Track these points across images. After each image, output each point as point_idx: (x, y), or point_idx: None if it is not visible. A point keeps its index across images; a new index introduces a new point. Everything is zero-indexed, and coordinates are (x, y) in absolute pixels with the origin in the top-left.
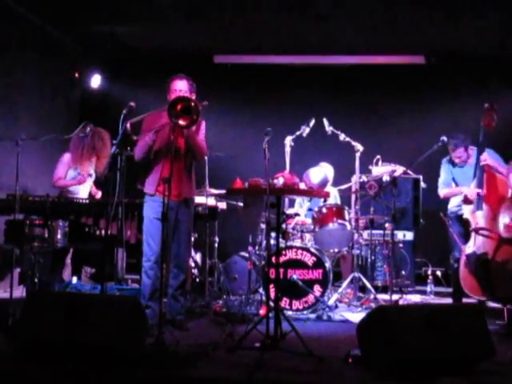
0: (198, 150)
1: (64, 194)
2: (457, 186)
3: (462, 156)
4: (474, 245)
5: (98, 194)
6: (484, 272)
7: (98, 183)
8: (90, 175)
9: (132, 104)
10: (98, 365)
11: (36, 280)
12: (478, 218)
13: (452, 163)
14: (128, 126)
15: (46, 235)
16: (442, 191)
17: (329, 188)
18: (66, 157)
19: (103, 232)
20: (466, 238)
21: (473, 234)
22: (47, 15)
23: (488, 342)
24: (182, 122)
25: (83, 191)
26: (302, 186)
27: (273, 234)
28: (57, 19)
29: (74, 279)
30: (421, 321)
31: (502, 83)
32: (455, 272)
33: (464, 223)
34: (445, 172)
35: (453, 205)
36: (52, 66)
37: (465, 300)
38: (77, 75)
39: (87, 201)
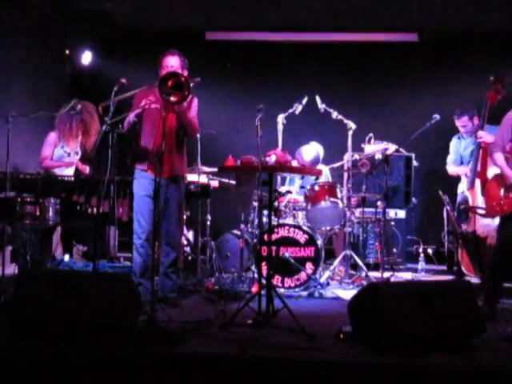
0: (189, 126)
1: (50, 173)
2: (463, 163)
3: (467, 125)
4: (468, 223)
5: (87, 170)
6: (474, 249)
7: (85, 159)
8: (77, 153)
9: (123, 80)
10: (91, 342)
11: (28, 258)
12: (476, 195)
13: (461, 137)
14: (100, 107)
15: (38, 213)
16: (450, 168)
17: (320, 165)
18: (52, 136)
19: (95, 210)
20: (466, 216)
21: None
22: None
23: (478, 319)
24: (172, 98)
25: (68, 169)
26: (295, 163)
27: (265, 212)
28: None
29: (66, 257)
30: (411, 298)
31: (496, 59)
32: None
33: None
34: (453, 149)
35: (462, 182)
36: (42, 42)
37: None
38: (67, 52)
39: (77, 178)
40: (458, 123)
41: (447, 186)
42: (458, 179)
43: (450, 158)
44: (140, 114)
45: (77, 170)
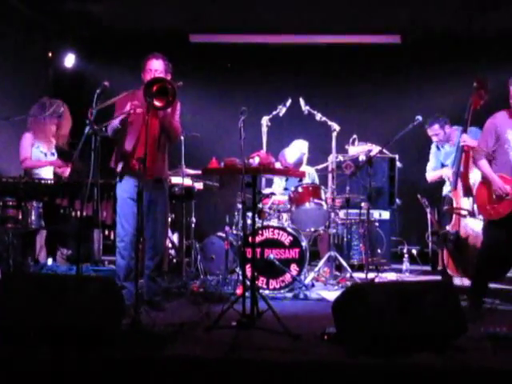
0: (172, 131)
1: (30, 175)
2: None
3: (439, 133)
4: (452, 224)
5: (66, 172)
6: (457, 250)
7: (63, 159)
8: (53, 154)
9: (106, 83)
10: (75, 345)
11: (10, 262)
12: (459, 197)
13: (440, 146)
14: (90, 113)
15: (20, 217)
16: (429, 175)
17: (306, 167)
18: (28, 136)
19: (79, 213)
20: (450, 218)
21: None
22: None
23: (461, 319)
24: (157, 104)
25: (46, 171)
26: (278, 165)
27: (249, 214)
28: None
29: (50, 261)
30: (395, 298)
31: (478, 62)
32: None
33: (448, 203)
34: (433, 156)
35: (447, 189)
36: (25, 45)
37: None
38: (50, 54)
39: (60, 181)
40: (430, 132)
41: (431, 188)
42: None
43: (430, 166)
44: (125, 119)
45: (55, 173)
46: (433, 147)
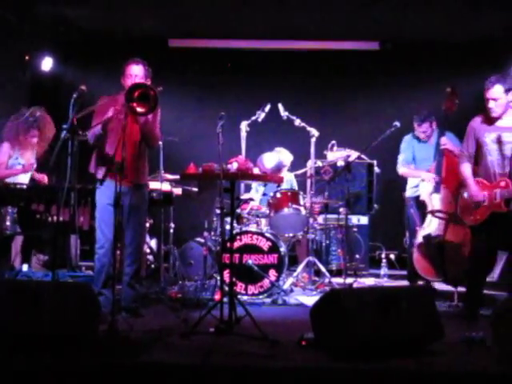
0: (152, 138)
1: (4, 183)
2: (415, 165)
3: (427, 131)
4: (429, 227)
5: (45, 179)
6: (438, 254)
7: (41, 167)
8: (32, 164)
9: (83, 88)
10: (50, 353)
11: None
12: (434, 200)
13: (416, 139)
14: (74, 120)
15: None
16: (402, 169)
17: (285, 173)
18: (5, 146)
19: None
20: (422, 220)
21: (429, 216)
22: None
23: (437, 324)
24: (139, 109)
25: (23, 179)
26: (256, 170)
27: (228, 219)
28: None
29: (25, 267)
30: (372, 303)
31: (454, 68)
32: (411, 254)
33: (421, 205)
34: (406, 149)
35: (410, 186)
36: (1, 47)
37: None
38: (27, 58)
39: (36, 186)
40: (420, 129)
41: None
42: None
43: (402, 158)
44: (105, 125)
45: (33, 180)
46: (406, 138)
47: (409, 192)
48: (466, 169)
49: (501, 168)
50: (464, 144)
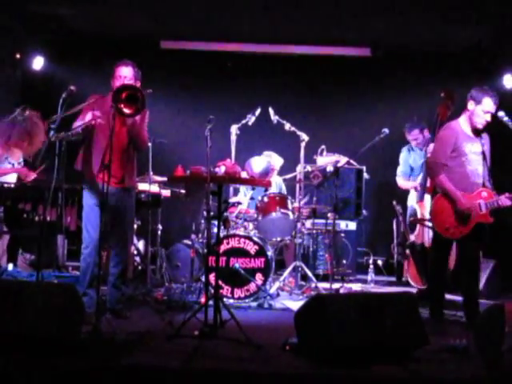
0: (139, 140)
1: None
2: (412, 174)
3: (418, 138)
4: (415, 234)
5: (31, 176)
6: (422, 261)
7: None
8: (20, 163)
9: (72, 88)
10: (32, 354)
11: None
12: (424, 208)
13: (411, 149)
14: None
15: None
16: (400, 180)
17: (274, 177)
18: None
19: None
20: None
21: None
22: None
23: (422, 331)
24: (126, 111)
25: (10, 178)
26: (244, 174)
27: (215, 222)
28: None
29: (10, 266)
30: (356, 309)
31: (445, 75)
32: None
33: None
34: (403, 161)
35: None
36: None
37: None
38: (18, 56)
39: (23, 186)
40: (409, 137)
41: (397, 199)
42: (407, 192)
43: (400, 170)
44: (88, 128)
45: (19, 178)
46: (403, 151)
47: (409, 201)
48: (446, 180)
49: (478, 178)
50: (439, 152)
